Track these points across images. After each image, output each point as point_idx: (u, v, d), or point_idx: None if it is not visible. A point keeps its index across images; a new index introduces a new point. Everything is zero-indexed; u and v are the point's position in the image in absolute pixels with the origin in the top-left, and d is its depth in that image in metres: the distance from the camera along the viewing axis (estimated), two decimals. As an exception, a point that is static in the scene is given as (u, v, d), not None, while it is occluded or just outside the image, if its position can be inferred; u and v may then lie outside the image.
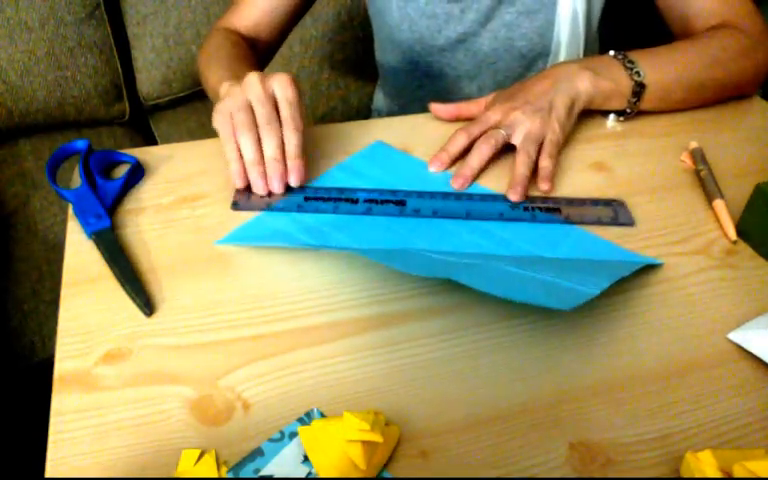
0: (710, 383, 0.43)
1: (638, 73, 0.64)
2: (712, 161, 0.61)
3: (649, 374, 0.43)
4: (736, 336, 0.45)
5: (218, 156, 0.61)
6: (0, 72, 1.14)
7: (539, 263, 0.48)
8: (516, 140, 0.60)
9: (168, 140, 1.29)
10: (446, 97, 0.87)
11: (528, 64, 0.83)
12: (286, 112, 0.55)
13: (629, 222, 0.55)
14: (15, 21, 1.13)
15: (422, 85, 0.88)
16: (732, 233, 0.54)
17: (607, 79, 0.63)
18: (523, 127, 0.60)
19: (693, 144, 0.63)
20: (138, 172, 0.59)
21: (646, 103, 0.65)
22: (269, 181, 0.55)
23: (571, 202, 0.57)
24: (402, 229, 0.53)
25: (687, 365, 0.44)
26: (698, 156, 0.62)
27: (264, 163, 0.55)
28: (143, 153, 0.61)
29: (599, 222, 0.55)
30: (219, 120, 0.55)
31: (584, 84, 0.62)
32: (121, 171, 0.59)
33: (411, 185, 0.58)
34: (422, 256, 0.48)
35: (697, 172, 0.61)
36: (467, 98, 0.85)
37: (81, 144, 0.58)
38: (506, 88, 0.67)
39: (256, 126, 0.55)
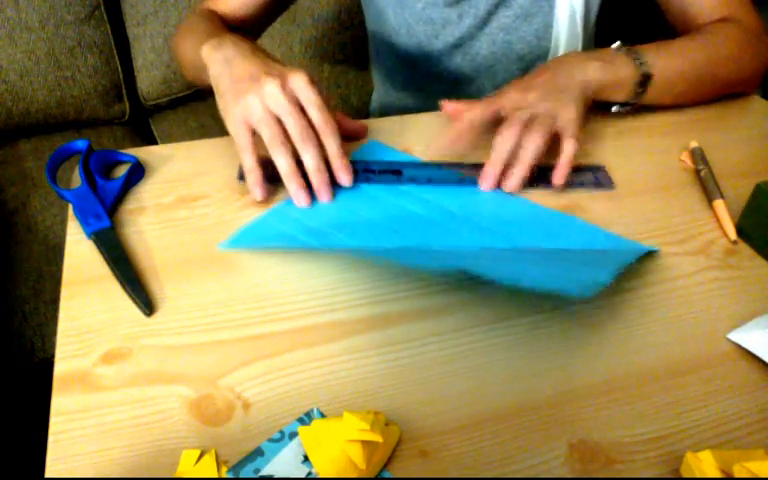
0: (710, 383, 0.43)
1: (643, 63, 0.63)
2: (712, 161, 0.61)
3: (649, 374, 0.43)
4: (736, 336, 0.45)
5: (218, 156, 0.61)
6: (0, 72, 1.14)
7: (546, 255, 0.49)
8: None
9: (168, 140, 1.29)
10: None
11: (526, 67, 0.83)
12: (318, 118, 0.53)
13: (609, 185, 0.59)
14: (15, 21, 1.13)
15: (420, 88, 0.88)
16: (732, 233, 0.54)
17: (615, 68, 0.63)
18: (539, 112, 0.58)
19: (693, 144, 0.63)
20: (138, 172, 0.59)
21: (650, 94, 0.65)
22: (317, 192, 0.55)
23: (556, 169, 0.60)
24: (403, 228, 0.53)
25: (687, 365, 0.44)
26: (698, 156, 0.62)
27: (299, 174, 0.54)
28: (143, 153, 0.61)
29: (582, 185, 0.58)
30: (236, 130, 0.54)
31: (594, 73, 0.62)
32: (121, 171, 0.59)
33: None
34: (427, 252, 0.48)
35: (697, 172, 0.61)
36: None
37: (81, 144, 0.58)
38: (514, 83, 0.63)
39: (287, 137, 0.53)
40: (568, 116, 0.58)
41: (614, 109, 0.67)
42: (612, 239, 0.53)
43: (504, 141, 0.56)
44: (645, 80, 0.64)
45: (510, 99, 0.60)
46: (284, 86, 0.53)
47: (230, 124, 0.54)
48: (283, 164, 0.53)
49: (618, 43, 0.66)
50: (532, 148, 0.56)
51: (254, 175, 0.54)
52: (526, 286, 0.41)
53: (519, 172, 0.56)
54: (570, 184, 0.58)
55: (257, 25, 0.81)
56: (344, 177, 0.55)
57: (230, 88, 0.55)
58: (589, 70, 0.62)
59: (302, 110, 0.53)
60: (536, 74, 0.63)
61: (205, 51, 0.58)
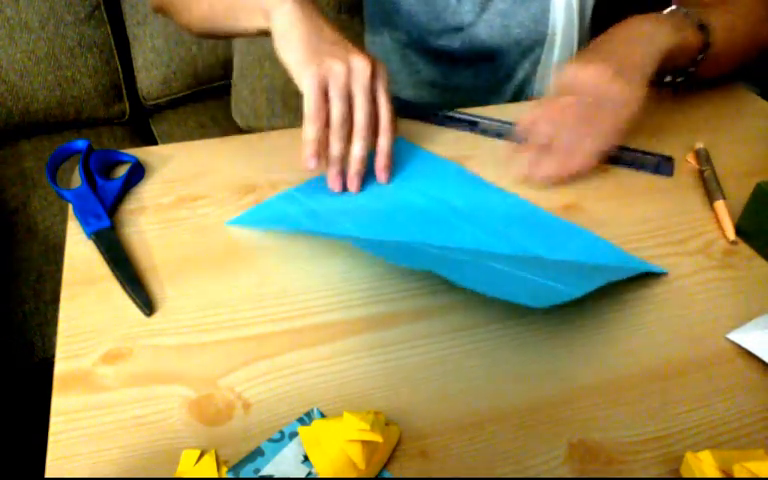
0: (710, 383, 0.43)
1: (706, 29, 0.62)
2: (713, 161, 0.61)
3: (649, 374, 0.43)
4: (736, 336, 0.45)
5: (218, 156, 0.61)
6: (0, 72, 1.14)
7: (531, 262, 0.48)
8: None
9: (168, 140, 1.29)
10: (441, 82, 0.87)
11: (524, 51, 0.83)
12: (388, 112, 0.54)
13: (667, 172, 0.62)
14: (15, 21, 1.13)
15: (417, 70, 0.88)
16: (731, 233, 0.54)
17: (684, 33, 0.61)
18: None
19: (698, 145, 0.63)
20: (138, 172, 0.59)
21: (704, 65, 0.63)
22: (350, 180, 0.56)
23: None
24: (407, 223, 0.53)
25: (687, 365, 0.44)
26: (702, 156, 0.62)
27: (343, 161, 0.55)
28: (143, 153, 0.61)
29: (642, 167, 0.62)
30: (311, 90, 0.51)
31: (667, 38, 0.59)
32: (121, 171, 0.59)
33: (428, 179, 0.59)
34: (415, 249, 0.48)
35: (701, 172, 0.61)
36: (463, 84, 0.85)
37: (81, 144, 0.58)
38: (588, 58, 0.60)
39: (350, 117, 0.53)
40: (636, 95, 0.57)
41: (667, 79, 0.65)
42: (619, 255, 0.52)
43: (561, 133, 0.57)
44: (705, 47, 0.62)
45: (581, 78, 0.58)
46: (372, 69, 0.52)
47: (305, 79, 0.51)
48: (338, 148, 0.54)
49: (673, 7, 0.63)
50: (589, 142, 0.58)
51: (314, 146, 0.52)
52: (488, 294, 0.40)
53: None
54: (630, 163, 0.62)
55: None
56: (384, 176, 0.57)
57: (311, 43, 0.53)
58: (663, 36, 0.59)
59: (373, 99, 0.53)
60: (612, 49, 0.59)
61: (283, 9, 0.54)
